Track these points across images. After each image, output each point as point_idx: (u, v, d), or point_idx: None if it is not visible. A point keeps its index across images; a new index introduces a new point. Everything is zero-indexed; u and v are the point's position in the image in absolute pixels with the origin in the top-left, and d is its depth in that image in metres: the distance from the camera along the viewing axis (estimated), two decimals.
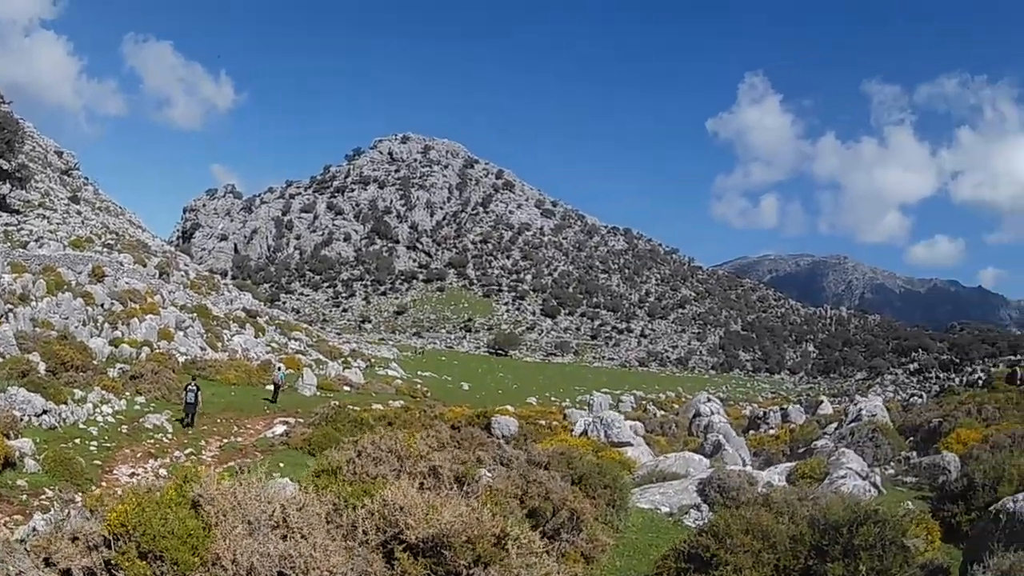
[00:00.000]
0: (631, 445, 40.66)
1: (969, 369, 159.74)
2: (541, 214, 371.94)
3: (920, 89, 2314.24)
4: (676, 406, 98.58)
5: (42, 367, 45.74)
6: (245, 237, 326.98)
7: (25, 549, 11.42)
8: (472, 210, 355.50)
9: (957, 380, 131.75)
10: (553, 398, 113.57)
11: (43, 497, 26.74)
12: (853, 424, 46.36)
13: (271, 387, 63.38)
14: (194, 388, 46.42)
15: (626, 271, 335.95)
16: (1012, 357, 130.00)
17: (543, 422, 56.57)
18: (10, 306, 57.56)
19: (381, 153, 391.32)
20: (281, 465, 33.78)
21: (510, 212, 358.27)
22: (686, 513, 24.33)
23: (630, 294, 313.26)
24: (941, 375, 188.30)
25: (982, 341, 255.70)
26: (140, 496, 11.96)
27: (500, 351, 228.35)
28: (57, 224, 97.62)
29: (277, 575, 11.04)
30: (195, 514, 11.79)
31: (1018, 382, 71.35)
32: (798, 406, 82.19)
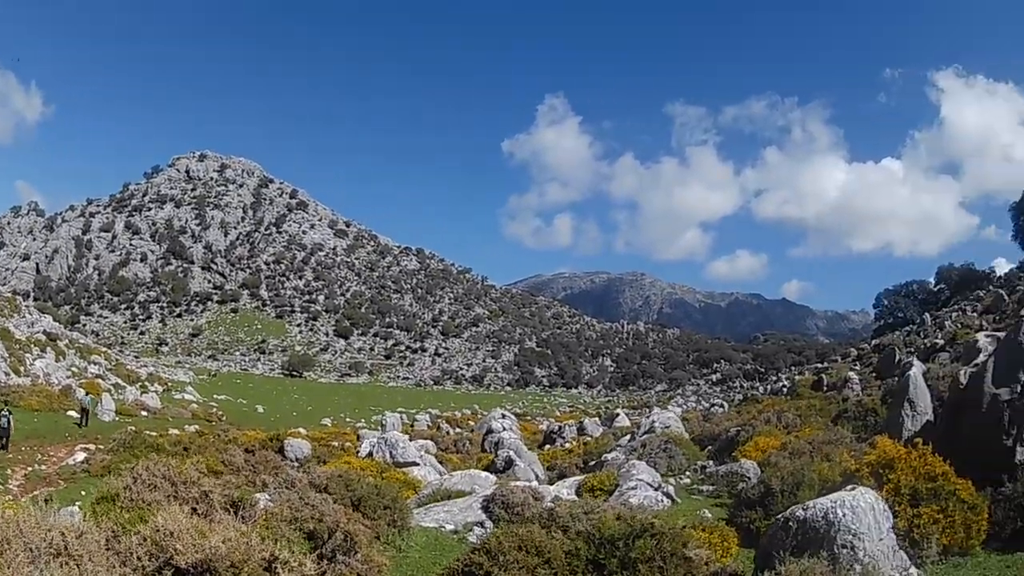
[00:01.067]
0: (417, 465, 40.78)
1: (774, 378, 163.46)
2: (334, 234, 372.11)
3: (726, 111, 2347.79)
4: (472, 423, 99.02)
5: None
6: (46, 257, 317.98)
7: None
8: (266, 230, 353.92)
9: (761, 389, 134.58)
10: (348, 419, 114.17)
11: None
12: (646, 436, 46.85)
13: (76, 413, 62.39)
14: (7, 413, 47.91)
15: (419, 291, 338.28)
16: (819, 365, 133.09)
17: (336, 444, 56.64)
18: None
19: (179, 171, 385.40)
20: (83, 493, 33.01)
21: (303, 232, 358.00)
22: (470, 530, 24.30)
23: (423, 313, 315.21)
24: (745, 384, 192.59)
25: (788, 350, 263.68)
26: None
27: (295, 373, 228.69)
28: None
29: None
30: None
31: (824, 389, 72.95)
32: (596, 419, 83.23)
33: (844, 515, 15.96)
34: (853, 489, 17.54)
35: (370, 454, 42.94)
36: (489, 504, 25.94)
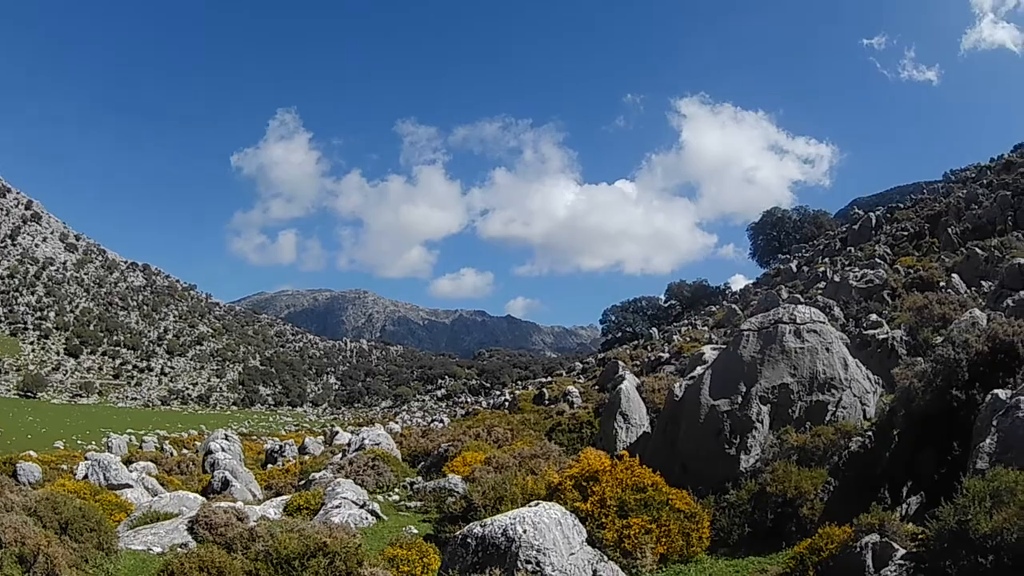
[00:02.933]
0: (131, 487, 40.89)
1: (498, 392, 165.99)
2: (65, 248, 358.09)
3: (457, 131, 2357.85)
4: (198, 443, 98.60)
5: None
6: None
7: None
8: (1, 243, 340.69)
9: (485, 403, 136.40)
10: (79, 441, 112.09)
11: None
12: (355, 453, 47.64)
13: None
14: None
15: (145, 307, 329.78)
16: (543, 379, 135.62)
17: (65, 467, 55.84)
18: None
19: None
20: None
21: (36, 246, 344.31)
22: (175, 552, 24.00)
23: (149, 331, 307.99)
24: (470, 399, 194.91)
25: (513, 365, 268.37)
26: None
27: (29, 393, 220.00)
28: None
29: None
30: None
31: (545, 402, 74.32)
32: (319, 438, 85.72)
33: (525, 531, 16.54)
34: (537, 504, 17.80)
35: (85, 476, 42.84)
36: (193, 525, 26.26)
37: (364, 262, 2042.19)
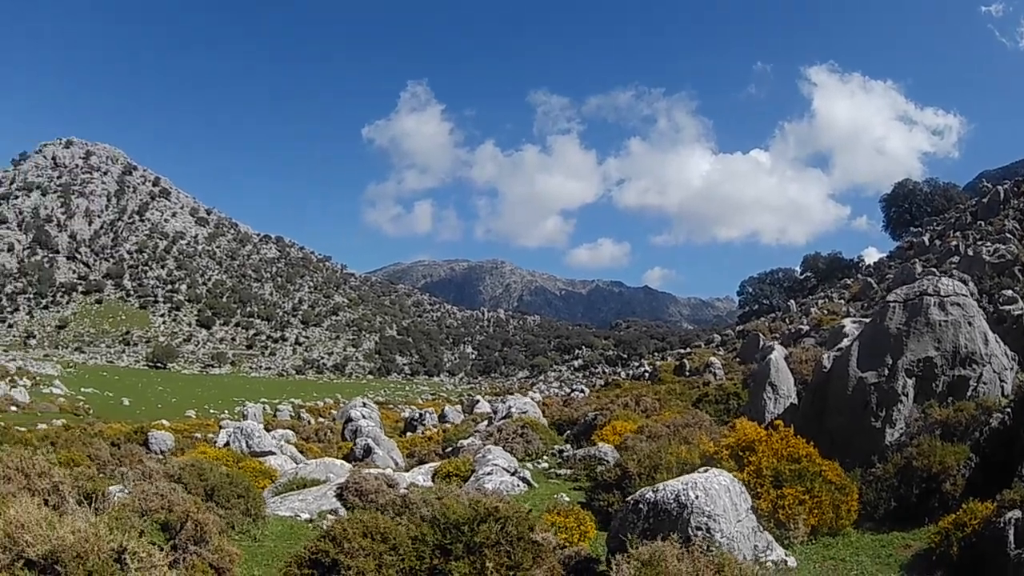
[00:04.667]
0: (274, 454, 40.62)
1: (636, 363, 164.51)
2: (196, 222, 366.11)
3: (590, 101, 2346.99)
4: (334, 412, 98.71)
5: None
6: None
7: None
8: (129, 218, 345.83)
9: (623, 374, 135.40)
10: (212, 410, 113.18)
11: None
12: (503, 421, 47.32)
13: None
14: None
15: (279, 279, 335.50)
16: (682, 350, 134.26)
17: (199, 435, 56.37)
18: None
19: (46, 158, 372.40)
20: None
21: (165, 221, 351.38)
22: (324, 519, 24.09)
23: (283, 302, 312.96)
24: (608, 370, 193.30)
25: (650, 336, 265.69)
26: None
27: (159, 364, 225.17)
28: None
29: None
30: None
31: (686, 373, 73.60)
32: (457, 407, 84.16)
33: (697, 496, 16.04)
34: (706, 471, 17.54)
35: (227, 444, 42.66)
36: (343, 492, 26.09)
37: (500, 232, 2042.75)
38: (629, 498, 17.72)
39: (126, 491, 19.25)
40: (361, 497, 25.06)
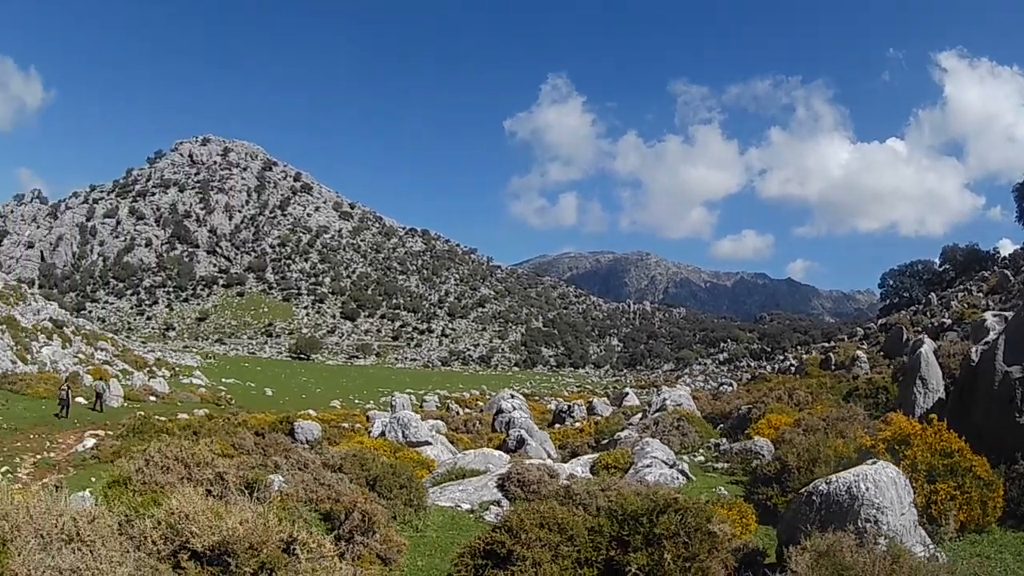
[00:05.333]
0: (430, 444, 40.63)
1: (781, 357, 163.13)
2: (339, 216, 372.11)
3: (730, 90, 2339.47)
4: (480, 404, 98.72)
5: None
6: (51, 244, 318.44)
7: None
8: (270, 213, 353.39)
9: (769, 367, 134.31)
10: (357, 400, 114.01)
11: None
12: (658, 414, 46.73)
13: (84, 399, 62.33)
14: (66, 388, 55.39)
15: (425, 272, 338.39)
16: (825, 344, 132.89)
17: (346, 425, 56.30)
18: None
19: (182, 155, 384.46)
20: (93, 480, 32.63)
21: (308, 215, 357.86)
22: (487, 509, 24.18)
23: (430, 294, 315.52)
24: (752, 363, 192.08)
25: (793, 330, 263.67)
26: None
27: (302, 355, 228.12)
28: None
29: None
30: None
31: (831, 367, 72.77)
32: (604, 399, 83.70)
33: (867, 489, 15.83)
34: (874, 463, 17.38)
35: (382, 434, 42.89)
36: (504, 482, 25.98)
37: (645, 223, 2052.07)
38: (803, 490, 17.61)
39: (284, 481, 19.43)
40: (523, 488, 25.08)
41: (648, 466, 28.94)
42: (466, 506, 24.79)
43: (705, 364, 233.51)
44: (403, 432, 41.39)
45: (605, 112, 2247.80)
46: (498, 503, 24.76)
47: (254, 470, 18.33)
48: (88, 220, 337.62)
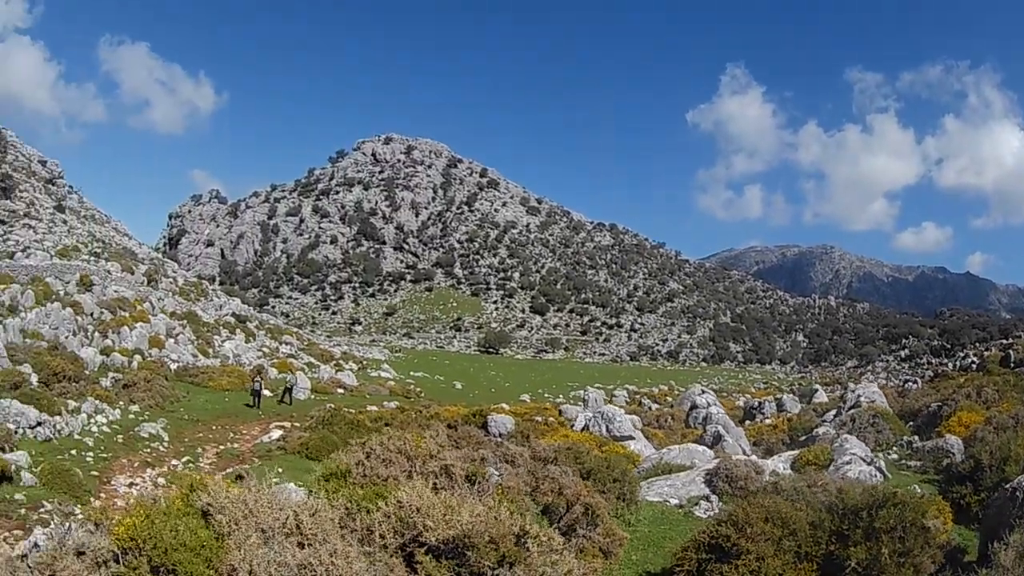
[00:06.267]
0: (633, 439, 40.65)
1: (961, 354, 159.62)
2: (526, 212, 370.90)
3: (903, 76, 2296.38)
4: (669, 399, 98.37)
5: (34, 378, 44.86)
6: (231, 242, 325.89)
7: (28, 566, 11.00)
8: (457, 209, 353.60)
9: (950, 365, 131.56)
10: (546, 395, 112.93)
11: (42, 510, 26.16)
12: (853, 410, 46.24)
13: (270, 392, 63.39)
14: (259, 380, 57.19)
15: (613, 266, 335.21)
16: (1003, 341, 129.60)
17: (539, 419, 55.86)
18: None
19: (364, 154, 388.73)
20: (280, 470, 33.10)
21: (495, 211, 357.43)
22: (696, 504, 24.22)
23: (618, 289, 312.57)
24: (933, 360, 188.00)
25: (972, 326, 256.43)
26: (148, 508, 11.69)
27: (491, 349, 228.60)
28: (43, 234, 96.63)
29: None
30: (206, 524, 11.57)
31: (1012, 365, 71.19)
32: (792, 396, 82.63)
33: None
34: None
35: (585, 427, 43.23)
36: (712, 478, 26.01)
37: (828, 215, 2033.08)
38: (1007, 486, 17.44)
39: (499, 473, 19.52)
40: (731, 483, 25.10)
41: (848, 463, 28.70)
42: (674, 501, 24.95)
43: (887, 361, 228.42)
44: (607, 426, 41.79)
45: (784, 102, 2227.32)
46: (707, 498, 24.82)
47: (474, 463, 18.44)
48: (270, 218, 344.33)
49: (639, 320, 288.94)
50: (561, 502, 17.57)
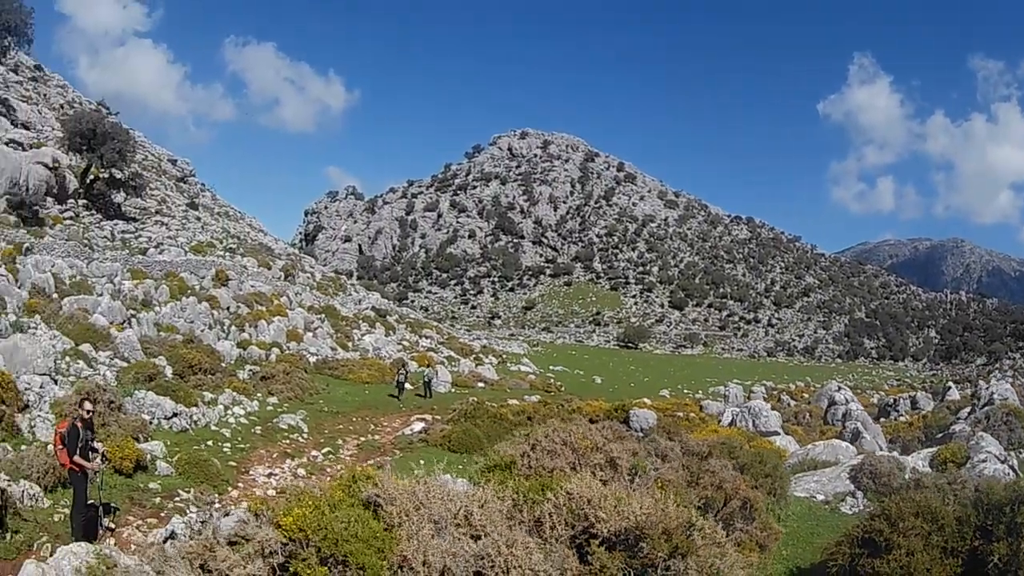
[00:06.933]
0: (778, 434, 40.92)
1: None
2: (664, 205, 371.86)
3: (1022, 64, 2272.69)
4: (806, 396, 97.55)
5: (169, 371, 45.49)
6: (369, 238, 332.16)
7: (180, 557, 11.09)
8: (595, 203, 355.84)
9: None
10: (685, 390, 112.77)
11: (177, 499, 26.41)
12: (987, 408, 45.89)
13: (411, 385, 63.70)
14: (404, 373, 59.20)
15: (751, 260, 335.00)
16: None
17: (680, 414, 55.77)
18: (132, 311, 57.42)
19: (501, 149, 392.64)
20: (421, 462, 33.02)
21: (633, 204, 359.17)
22: (842, 500, 24.56)
23: (756, 283, 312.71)
24: None
25: None
26: (316, 498, 11.81)
27: (630, 344, 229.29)
28: (176, 230, 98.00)
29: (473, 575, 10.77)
30: (375, 515, 11.70)
31: None
32: (925, 393, 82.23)
33: None
34: None
35: (732, 422, 43.86)
36: (856, 474, 26.07)
37: (958, 208, 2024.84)
38: None
39: (655, 467, 19.31)
40: (875, 480, 25.09)
41: (983, 461, 28.49)
42: (820, 497, 25.13)
43: (1015, 359, 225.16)
44: (753, 422, 42.52)
45: (911, 92, 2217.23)
46: (852, 494, 24.95)
47: (636, 456, 18.24)
48: (408, 214, 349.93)
49: (776, 315, 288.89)
50: (719, 496, 17.79)
